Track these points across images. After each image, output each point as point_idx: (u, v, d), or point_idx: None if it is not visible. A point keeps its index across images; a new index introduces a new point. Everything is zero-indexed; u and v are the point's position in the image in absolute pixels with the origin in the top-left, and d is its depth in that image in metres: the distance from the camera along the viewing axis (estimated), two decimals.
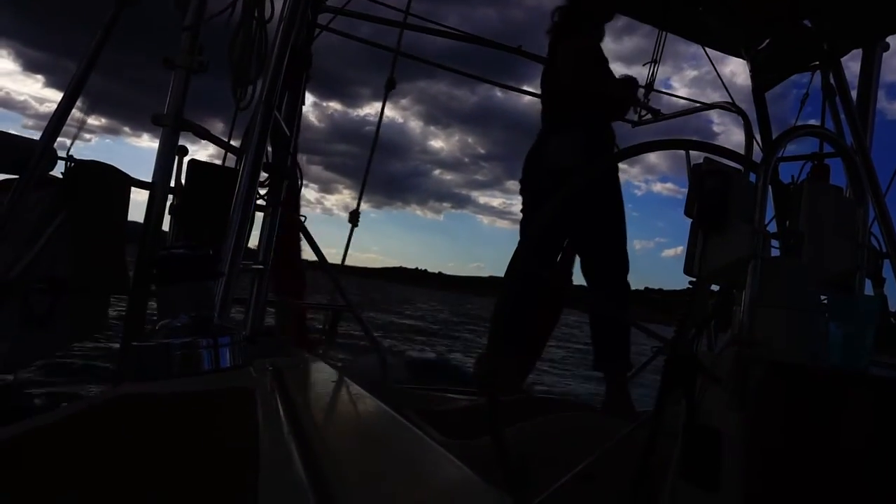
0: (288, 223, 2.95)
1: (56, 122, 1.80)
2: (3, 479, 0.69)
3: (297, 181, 3.17)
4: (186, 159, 2.07)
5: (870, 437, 1.00)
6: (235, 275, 1.58)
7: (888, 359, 1.35)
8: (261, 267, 2.53)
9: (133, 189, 1.99)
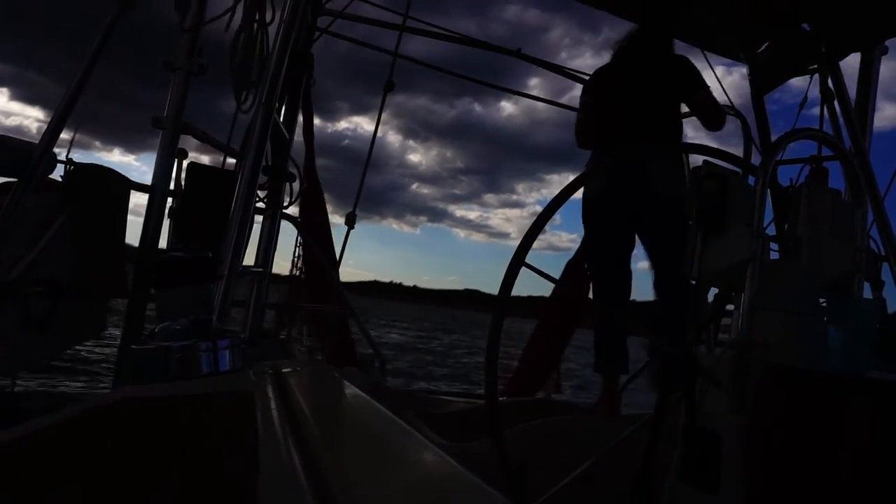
0: (312, 229, 2.96)
1: (55, 124, 1.80)
2: (3, 481, 0.69)
3: (318, 188, 3.18)
4: (186, 162, 2.07)
5: (869, 441, 1.00)
6: (235, 278, 1.58)
7: (889, 364, 1.35)
8: (260, 270, 2.53)
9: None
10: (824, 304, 1.35)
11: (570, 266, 3.69)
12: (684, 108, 2.83)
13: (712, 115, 2.72)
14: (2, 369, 1.92)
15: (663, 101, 2.76)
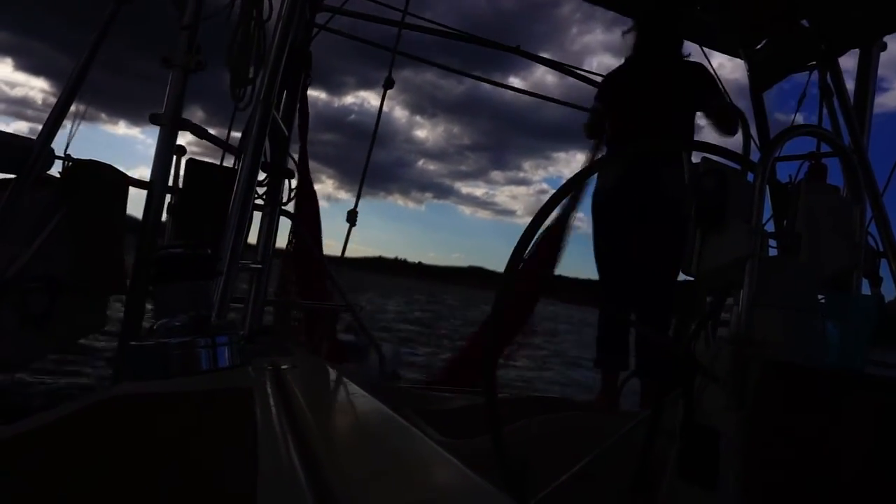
0: (304, 226, 2.97)
1: (53, 121, 1.79)
2: (2, 477, 0.69)
3: (311, 186, 3.19)
4: (185, 159, 2.07)
5: (868, 437, 1.00)
6: (234, 274, 1.58)
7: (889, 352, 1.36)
8: (259, 266, 2.53)
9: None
10: (823, 301, 1.35)
11: (542, 240, 3.64)
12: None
13: (727, 122, 2.79)
14: (1, 366, 1.92)
15: (677, 108, 2.81)
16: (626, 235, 2.76)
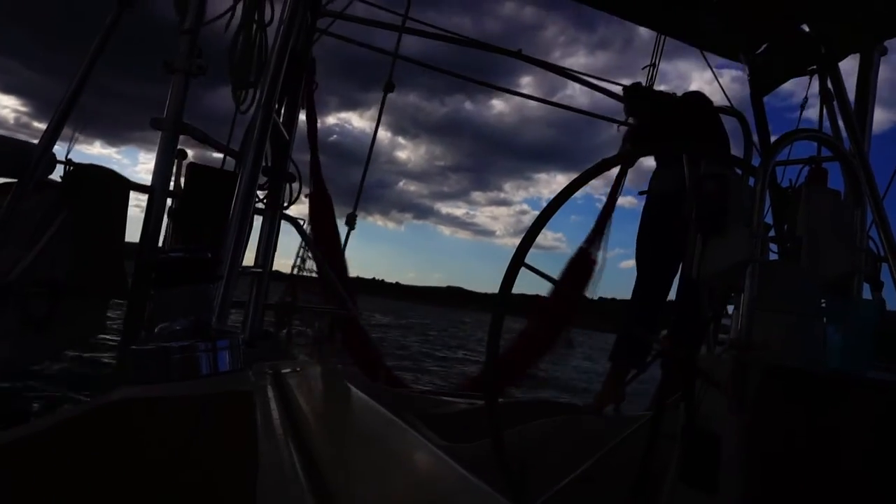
0: (323, 235, 2.99)
1: (55, 125, 1.79)
2: (3, 481, 0.69)
3: (327, 194, 3.22)
4: (185, 163, 2.07)
5: (867, 441, 1.00)
6: (234, 278, 1.58)
7: (888, 363, 1.35)
8: (259, 270, 2.53)
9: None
10: (824, 305, 1.35)
11: (571, 264, 3.71)
12: None
13: None
14: (2, 369, 1.92)
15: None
16: (674, 244, 2.83)
